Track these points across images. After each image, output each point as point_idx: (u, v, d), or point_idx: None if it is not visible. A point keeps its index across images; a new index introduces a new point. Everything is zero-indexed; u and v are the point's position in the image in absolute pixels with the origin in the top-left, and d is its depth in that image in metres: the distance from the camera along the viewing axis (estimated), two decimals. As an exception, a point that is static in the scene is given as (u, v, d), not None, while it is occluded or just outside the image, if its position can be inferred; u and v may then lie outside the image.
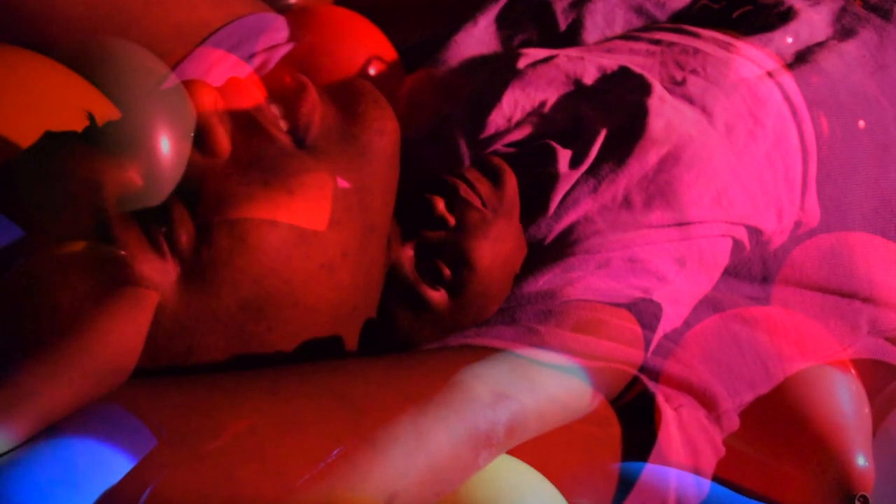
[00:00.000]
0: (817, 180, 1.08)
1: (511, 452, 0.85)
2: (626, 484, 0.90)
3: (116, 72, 1.04)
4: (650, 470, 0.91)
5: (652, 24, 1.20)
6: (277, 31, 1.24)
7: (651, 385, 0.93)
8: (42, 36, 1.14)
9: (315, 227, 0.88)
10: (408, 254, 0.91)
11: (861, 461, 0.94)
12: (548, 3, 1.22)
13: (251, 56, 1.23)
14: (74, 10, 1.15)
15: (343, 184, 0.90)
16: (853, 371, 1.01)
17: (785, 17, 1.16)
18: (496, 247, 0.93)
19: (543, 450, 0.88)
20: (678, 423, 0.92)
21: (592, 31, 1.19)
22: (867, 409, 0.99)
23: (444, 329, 0.93)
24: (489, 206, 0.94)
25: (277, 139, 0.89)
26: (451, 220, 0.93)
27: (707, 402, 0.96)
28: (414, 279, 0.91)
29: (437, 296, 0.92)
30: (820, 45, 1.14)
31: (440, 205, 0.92)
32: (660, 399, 0.92)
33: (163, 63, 1.08)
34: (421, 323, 0.92)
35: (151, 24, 1.18)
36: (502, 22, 1.23)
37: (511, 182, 0.97)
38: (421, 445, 0.77)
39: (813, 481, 0.95)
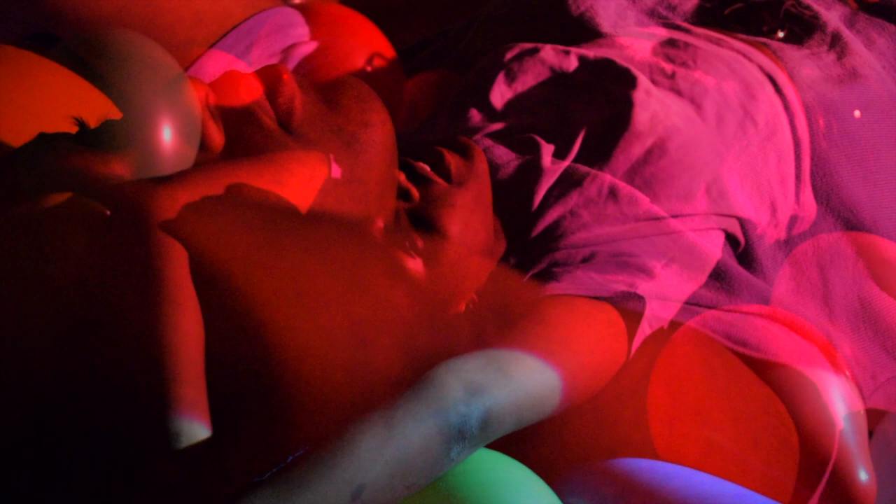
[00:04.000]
0: (821, 177, 1.07)
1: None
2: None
3: (120, 63, 1.05)
4: None
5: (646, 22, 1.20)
6: (297, 26, 1.25)
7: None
8: (63, 19, 1.15)
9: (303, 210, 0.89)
10: (378, 225, 0.92)
11: (863, 476, 0.93)
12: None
13: (272, 54, 1.24)
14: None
15: (333, 173, 0.91)
16: (847, 372, 0.99)
17: (813, 20, 1.16)
18: (465, 215, 0.93)
19: None
20: None
21: (605, 18, 1.18)
22: (863, 411, 0.97)
23: (423, 301, 0.93)
24: (456, 179, 0.95)
25: (265, 125, 0.90)
26: (416, 193, 0.93)
27: None
28: (388, 247, 0.92)
29: (413, 263, 0.92)
30: (849, 48, 1.13)
31: (401, 177, 0.93)
32: None
33: (167, 54, 1.09)
34: (399, 293, 0.92)
35: (173, 10, 1.19)
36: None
37: (480, 156, 0.97)
38: (389, 438, 0.76)
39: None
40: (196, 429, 0.75)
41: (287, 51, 1.23)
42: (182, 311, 0.79)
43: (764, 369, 0.96)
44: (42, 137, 0.94)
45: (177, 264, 0.82)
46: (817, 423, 0.94)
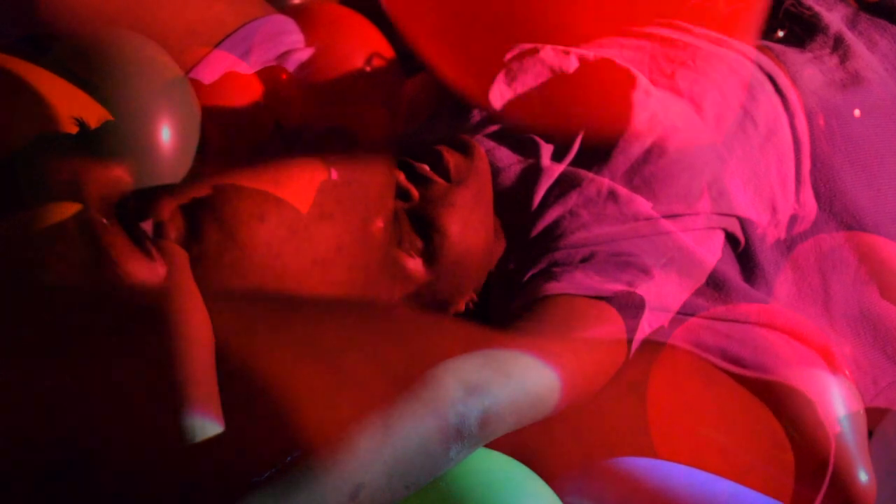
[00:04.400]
0: (823, 181, 1.07)
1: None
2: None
3: (120, 64, 1.05)
4: None
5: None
6: (291, 34, 1.25)
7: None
8: (54, 29, 1.15)
9: (303, 215, 0.88)
10: (377, 225, 0.92)
11: (863, 477, 0.93)
12: None
13: (266, 62, 1.24)
14: (87, 5, 1.16)
15: (332, 175, 0.91)
16: (846, 372, 0.99)
17: (813, 20, 1.15)
18: (465, 214, 0.94)
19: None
20: None
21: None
22: (862, 410, 0.97)
23: (424, 301, 0.93)
24: (456, 178, 0.95)
25: (265, 126, 0.90)
26: (415, 193, 0.93)
27: None
28: (388, 247, 0.92)
29: (413, 263, 0.92)
30: (852, 51, 1.13)
31: (401, 177, 0.93)
32: None
33: (168, 55, 1.09)
34: (399, 294, 0.92)
35: (165, 20, 1.19)
36: None
37: (480, 154, 0.97)
38: (388, 438, 0.76)
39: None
40: (209, 425, 0.75)
41: (282, 58, 1.23)
42: (189, 311, 0.79)
43: (759, 385, 0.96)
44: (42, 138, 0.94)
45: (179, 267, 0.82)
46: (816, 427, 0.94)
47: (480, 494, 0.81)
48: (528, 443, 0.88)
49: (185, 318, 0.79)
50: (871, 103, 1.10)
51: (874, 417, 0.99)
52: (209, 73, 1.17)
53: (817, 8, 1.16)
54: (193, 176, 1.05)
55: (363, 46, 1.23)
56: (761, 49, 1.12)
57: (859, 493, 0.92)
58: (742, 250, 1.04)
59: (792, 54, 1.13)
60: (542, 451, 0.90)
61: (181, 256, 0.86)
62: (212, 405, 0.76)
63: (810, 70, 1.11)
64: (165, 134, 1.04)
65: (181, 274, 0.82)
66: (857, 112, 1.09)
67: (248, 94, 1.19)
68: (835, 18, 1.16)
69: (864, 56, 1.12)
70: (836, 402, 0.95)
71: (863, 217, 1.07)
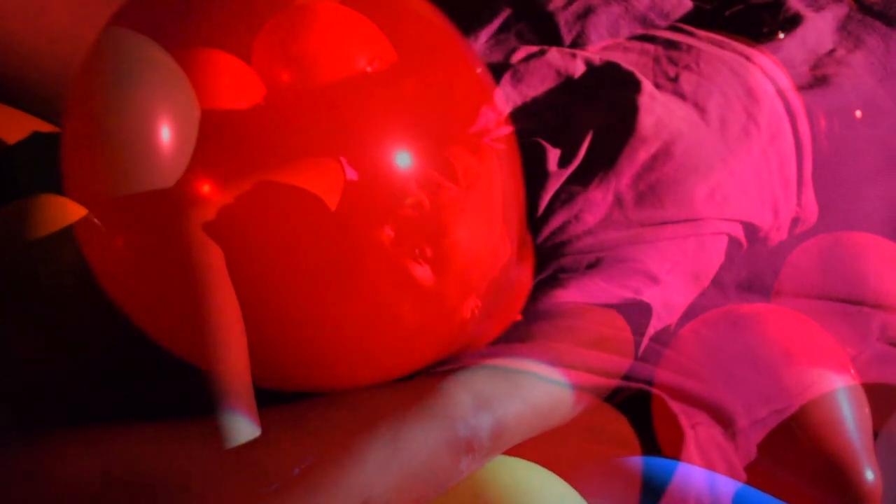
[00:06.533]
0: (816, 179, 1.07)
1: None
2: (652, 490, 0.89)
3: (121, 63, 1.04)
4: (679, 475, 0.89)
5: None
6: None
7: (673, 405, 0.91)
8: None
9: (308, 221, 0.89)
10: (387, 234, 0.91)
11: (869, 476, 0.93)
12: (550, 16, 1.21)
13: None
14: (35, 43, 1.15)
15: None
16: (851, 370, 0.99)
17: (792, 22, 1.15)
18: (474, 219, 0.93)
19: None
20: (696, 442, 0.90)
21: (597, 43, 1.18)
22: (867, 409, 0.97)
23: (427, 307, 0.92)
24: (465, 183, 0.94)
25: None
26: (425, 199, 0.92)
27: (723, 419, 0.92)
28: (396, 256, 0.91)
29: (421, 271, 0.91)
30: (829, 54, 1.13)
31: (410, 183, 0.92)
32: (682, 421, 0.90)
33: (168, 55, 1.08)
34: (405, 301, 0.92)
35: None
36: (504, 36, 1.22)
37: (489, 158, 0.97)
38: (397, 451, 0.76)
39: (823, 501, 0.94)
40: (249, 427, 0.75)
41: None
42: (225, 308, 0.80)
43: None
44: (36, 136, 0.94)
45: (217, 263, 0.82)
46: (828, 431, 0.94)
47: (504, 498, 0.81)
48: (539, 444, 0.88)
49: (220, 314, 0.79)
50: (834, 108, 1.09)
51: (879, 418, 0.99)
52: (209, 73, 1.16)
53: (804, 11, 1.16)
54: (192, 176, 1.04)
55: (363, 46, 1.22)
56: (759, 51, 1.12)
57: (865, 492, 0.93)
58: (743, 254, 1.04)
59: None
60: (559, 453, 0.90)
61: (217, 253, 0.86)
62: (250, 405, 0.76)
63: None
64: (165, 134, 1.03)
65: (220, 269, 0.83)
66: (858, 114, 1.09)
67: (248, 94, 1.18)
68: (824, 18, 1.16)
69: (840, 61, 1.12)
70: (845, 404, 0.95)
71: (829, 220, 1.07)
